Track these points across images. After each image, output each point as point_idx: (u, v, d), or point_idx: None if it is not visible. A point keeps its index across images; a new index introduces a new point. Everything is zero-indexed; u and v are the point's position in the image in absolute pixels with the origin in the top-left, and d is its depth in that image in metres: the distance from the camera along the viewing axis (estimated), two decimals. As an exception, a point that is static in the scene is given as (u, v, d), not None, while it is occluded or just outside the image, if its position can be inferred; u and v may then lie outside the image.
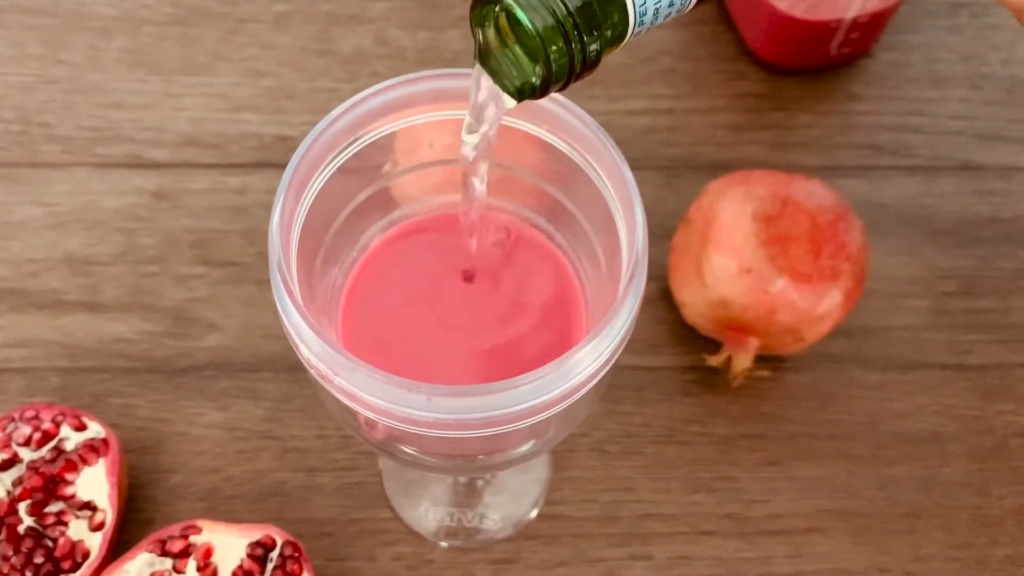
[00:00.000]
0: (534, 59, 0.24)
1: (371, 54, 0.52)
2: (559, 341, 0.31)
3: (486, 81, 0.25)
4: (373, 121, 0.28)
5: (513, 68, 0.24)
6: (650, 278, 0.46)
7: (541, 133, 0.29)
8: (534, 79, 0.24)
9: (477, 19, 0.24)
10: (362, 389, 0.24)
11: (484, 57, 0.25)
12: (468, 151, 0.27)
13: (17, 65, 0.51)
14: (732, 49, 0.53)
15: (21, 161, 0.48)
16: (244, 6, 0.53)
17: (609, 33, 0.23)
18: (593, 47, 0.23)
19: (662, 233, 0.46)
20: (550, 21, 0.23)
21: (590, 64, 0.24)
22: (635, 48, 0.52)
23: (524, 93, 0.25)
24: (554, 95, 0.28)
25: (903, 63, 0.53)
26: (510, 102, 0.25)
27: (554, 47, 0.23)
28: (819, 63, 0.52)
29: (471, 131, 0.27)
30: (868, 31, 0.50)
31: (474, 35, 0.25)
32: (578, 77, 0.24)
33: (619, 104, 0.51)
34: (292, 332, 0.25)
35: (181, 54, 0.51)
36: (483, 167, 0.28)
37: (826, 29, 0.49)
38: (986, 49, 0.53)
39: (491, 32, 0.24)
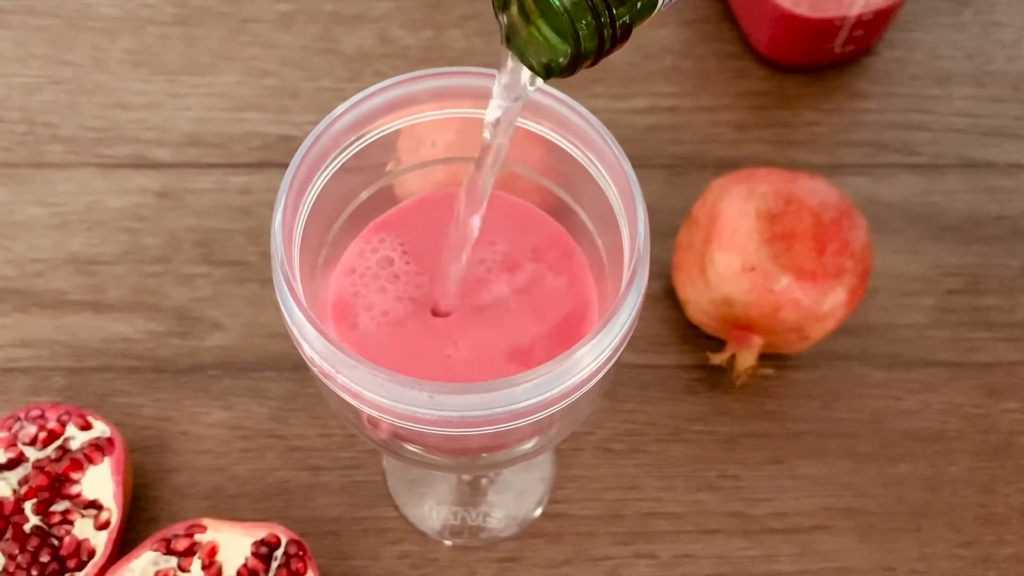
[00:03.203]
0: (562, 36, 0.23)
1: (374, 53, 0.52)
2: (567, 337, 0.30)
3: (512, 61, 0.24)
4: (375, 120, 0.28)
5: (541, 46, 0.23)
6: (654, 276, 0.46)
7: (544, 131, 0.29)
8: (563, 57, 0.23)
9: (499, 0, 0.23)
10: (364, 387, 0.24)
11: (509, 37, 0.24)
12: (490, 130, 0.27)
13: (22, 66, 0.51)
14: (736, 47, 0.53)
15: (25, 161, 0.48)
16: (247, 6, 0.53)
17: (640, 3, 0.22)
18: (624, 19, 0.22)
19: (666, 231, 0.46)
20: None
21: (621, 37, 0.22)
22: (638, 46, 0.52)
23: (553, 71, 0.24)
24: (556, 93, 0.27)
25: (907, 60, 0.53)
26: (537, 81, 0.24)
27: (583, 22, 0.22)
28: (823, 61, 0.52)
29: (495, 112, 0.26)
30: (872, 28, 0.50)
31: (496, 15, 0.24)
32: (608, 52, 0.23)
33: (623, 102, 0.51)
34: (295, 330, 0.25)
35: (184, 54, 0.51)
36: (500, 150, 0.27)
37: (830, 26, 0.49)
38: (991, 46, 0.53)
39: (515, 10, 0.23)
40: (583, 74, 0.54)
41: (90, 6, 0.53)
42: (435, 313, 0.30)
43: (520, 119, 0.29)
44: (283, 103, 0.50)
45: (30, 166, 0.48)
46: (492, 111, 0.26)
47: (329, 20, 0.53)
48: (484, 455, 0.30)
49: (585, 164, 0.28)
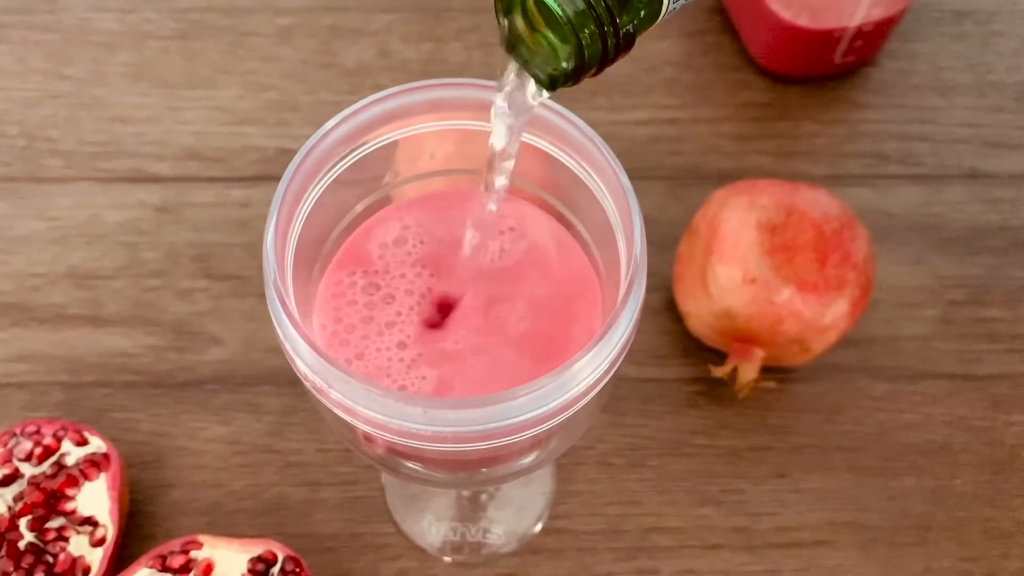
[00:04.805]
0: (566, 45, 0.22)
1: (373, 66, 0.52)
2: (566, 349, 0.30)
3: (515, 72, 0.24)
4: (370, 132, 0.28)
5: (544, 56, 0.23)
6: (655, 288, 0.46)
7: (541, 144, 0.29)
8: (566, 67, 0.23)
9: (503, 5, 0.23)
10: (358, 402, 0.24)
11: (513, 47, 0.24)
12: (498, 141, 0.26)
13: (21, 80, 0.51)
14: (736, 59, 0.53)
15: (24, 176, 0.48)
16: (247, 20, 0.53)
17: (643, 12, 0.22)
18: (627, 28, 0.22)
19: (666, 243, 0.45)
20: (580, 5, 0.21)
21: (624, 46, 0.22)
22: (638, 58, 0.52)
23: (557, 81, 0.24)
24: (552, 105, 0.27)
25: (908, 71, 0.52)
26: (542, 92, 0.24)
27: (586, 31, 0.22)
28: (824, 72, 0.51)
29: (500, 128, 0.26)
30: (872, 39, 0.50)
31: (499, 22, 0.23)
32: (612, 61, 0.23)
33: (623, 114, 0.51)
34: (287, 346, 0.25)
35: (184, 68, 0.51)
36: (508, 165, 0.27)
37: (830, 38, 0.49)
38: (992, 56, 0.53)
39: (518, 19, 0.23)
40: (583, 86, 0.54)
41: (90, 20, 0.53)
42: (441, 309, 0.29)
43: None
44: (283, 116, 0.50)
45: (29, 180, 0.48)
46: (496, 127, 0.26)
47: (328, 34, 0.53)
48: (483, 470, 0.30)
49: (582, 176, 0.28)
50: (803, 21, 0.48)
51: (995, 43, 0.53)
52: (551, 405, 0.24)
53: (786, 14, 0.48)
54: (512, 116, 0.25)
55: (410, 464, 0.29)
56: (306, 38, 0.52)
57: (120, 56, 0.52)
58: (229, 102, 0.51)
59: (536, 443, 0.28)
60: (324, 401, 0.25)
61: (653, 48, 0.53)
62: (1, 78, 0.51)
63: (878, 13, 0.47)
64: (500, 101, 0.26)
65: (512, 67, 0.24)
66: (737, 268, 0.40)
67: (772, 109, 0.51)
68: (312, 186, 0.27)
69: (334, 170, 0.28)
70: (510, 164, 0.26)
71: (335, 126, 0.27)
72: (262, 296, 0.46)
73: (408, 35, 0.53)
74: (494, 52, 0.53)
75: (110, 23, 0.53)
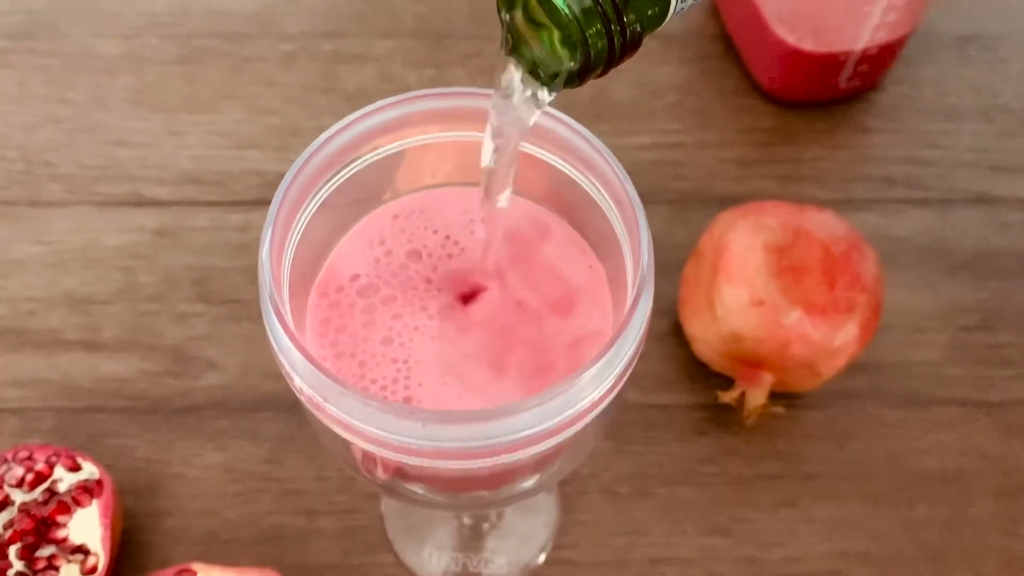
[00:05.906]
0: (571, 44, 0.22)
1: (376, 92, 0.52)
2: (574, 361, 0.28)
3: (516, 74, 0.24)
4: (366, 143, 0.27)
5: (547, 55, 0.23)
6: (660, 313, 0.45)
7: (544, 154, 0.28)
8: (572, 66, 0.22)
9: (505, 3, 0.23)
10: (355, 417, 0.23)
11: (514, 45, 0.23)
12: (489, 160, 0.26)
13: (22, 105, 0.51)
14: (739, 83, 0.52)
15: (22, 200, 0.48)
16: (248, 45, 0.53)
17: (650, 11, 0.22)
18: (634, 27, 0.21)
19: (671, 267, 0.45)
20: (587, 3, 0.21)
21: (631, 46, 0.22)
22: (641, 83, 0.52)
23: (560, 82, 0.23)
24: (555, 113, 0.27)
25: (914, 96, 0.52)
26: (543, 95, 0.24)
27: (592, 30, 0.21)
28: (828, 96, 0.51)
29: (495, 139, 0.25)
30: (877, 64, 0.49)
31: (501, 23, 0.23)
32: (619, 61, 0.22)
33: (626, 139, 0.50)
34: (282, 358, 0.24)
35: (185, 92, 0.51)
36: (507, 177, 0.26)
37: (834, 62, 0.48)
38: (998, 81, 0.53)
39: (521, 18, 0.22)
40: (586, 110, 0.54)
41: (91, 45, 0.52)
42: (439, 316, 0.28)
43: (523, 144, 0.28)
44: (284, 141, 0.50)
45: (27, 204, 0.48)
46: (490, 136, 0.25)
47: (330, 59, 0.52)
48: (485, 493, 0.29)
49: (585, 186, 0.27)
50: (807, 45, 0.48)
51: (1001, 68, 0.53)
52: (556, 420, 0.23)
53: (790, 38, 0.48)
54: (510, 123, 0.25)
55: (411, 486, 0.29)
56: (308, 63, 0.52)
57: (121, 81, 0.51)
58: (230, 127, 0.50)
59: (539, 463, 0.27)
60: (322, 418, 0.24)
61: (657, 73, 0.52)
62: (2, 103, 0.51)
63: (883, 37, 0.47)
64: (497, 108, 0.25)
65: (512, 70, 0.24)
66: (744, 290, 0.39)
67: (776, 134, 0.51)
68: (309, 198, 0.26)
69: (332, 182, 0.27)
70: (510, 175, 0.26)
71: (334, 135, 0.26)
72: (260, 320, 0.45)
73: (410, 61, 0.53)
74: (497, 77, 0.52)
75: (111, 48, 0.52)
